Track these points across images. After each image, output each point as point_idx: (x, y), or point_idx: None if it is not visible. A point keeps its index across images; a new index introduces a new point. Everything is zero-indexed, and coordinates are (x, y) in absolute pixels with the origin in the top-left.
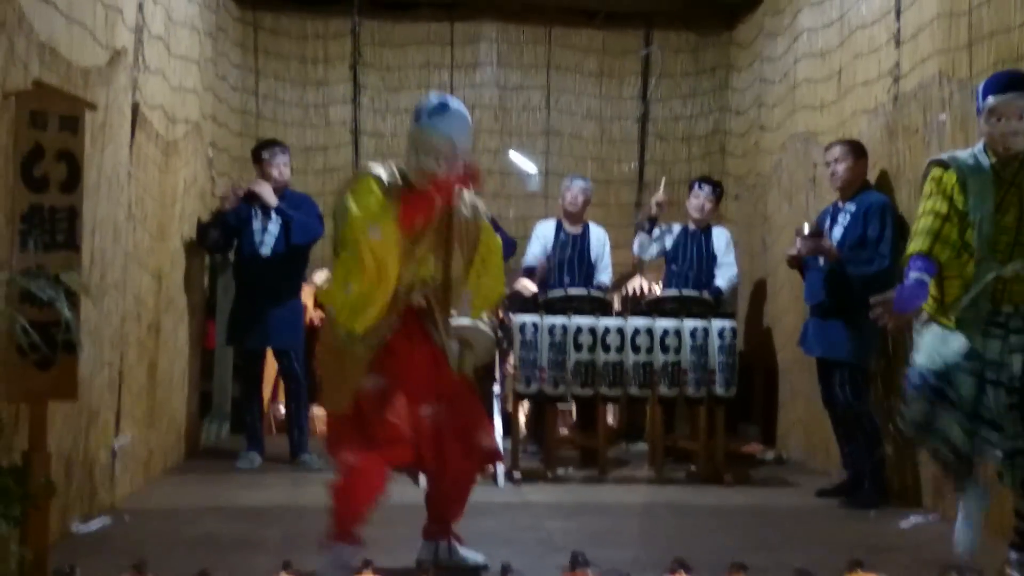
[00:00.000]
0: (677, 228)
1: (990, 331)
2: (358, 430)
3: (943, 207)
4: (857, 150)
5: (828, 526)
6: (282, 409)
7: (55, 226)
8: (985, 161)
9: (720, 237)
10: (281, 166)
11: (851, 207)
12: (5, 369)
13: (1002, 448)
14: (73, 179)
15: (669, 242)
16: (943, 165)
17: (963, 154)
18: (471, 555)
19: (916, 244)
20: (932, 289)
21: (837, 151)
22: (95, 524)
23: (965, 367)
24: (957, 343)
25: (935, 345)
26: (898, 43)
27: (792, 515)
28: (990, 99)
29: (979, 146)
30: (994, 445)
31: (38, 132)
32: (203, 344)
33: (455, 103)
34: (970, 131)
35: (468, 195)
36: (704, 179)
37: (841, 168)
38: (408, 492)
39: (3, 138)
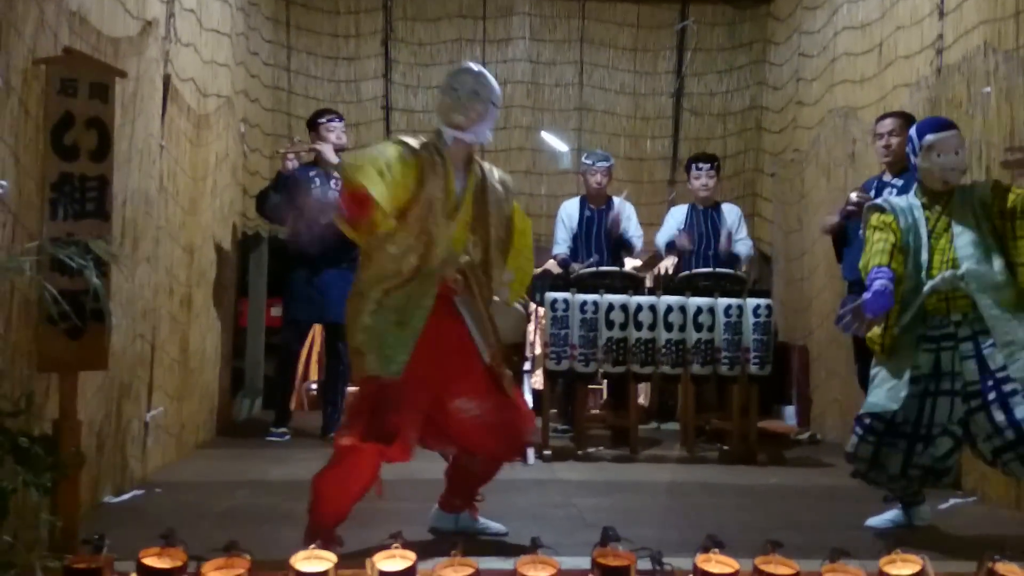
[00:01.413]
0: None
1: (941, 345)
2: (371, 416)
3: (890, 236)
4: (910, 122)
5: (864, 508)
6: (314, 387)
7: (85, 195)
8: (917, 203)
9: (731, 213)
10: (339, 131)
11: (898, 182)
12: (36, 338)
13: (986, 454)
14: (103, 148)
15: None
16: (881, 209)
17: (893, 199)
18: (492, 525)
19: (878, 259)
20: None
21: (890, 124)
22: (126, 496)
23: (912, 392)
24: (902, 375)
25: (884, 383)
26: (942, 14)
27: (828, 496)
28: (929, 136)
29: (912, 192)
30: (931, 464)
31: (68, 99)
32: (236, 321)
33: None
34: (1015, 104)
35: (497, 172)
36: (702, 156)
37: (896, 142)
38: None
39: (33, 106)
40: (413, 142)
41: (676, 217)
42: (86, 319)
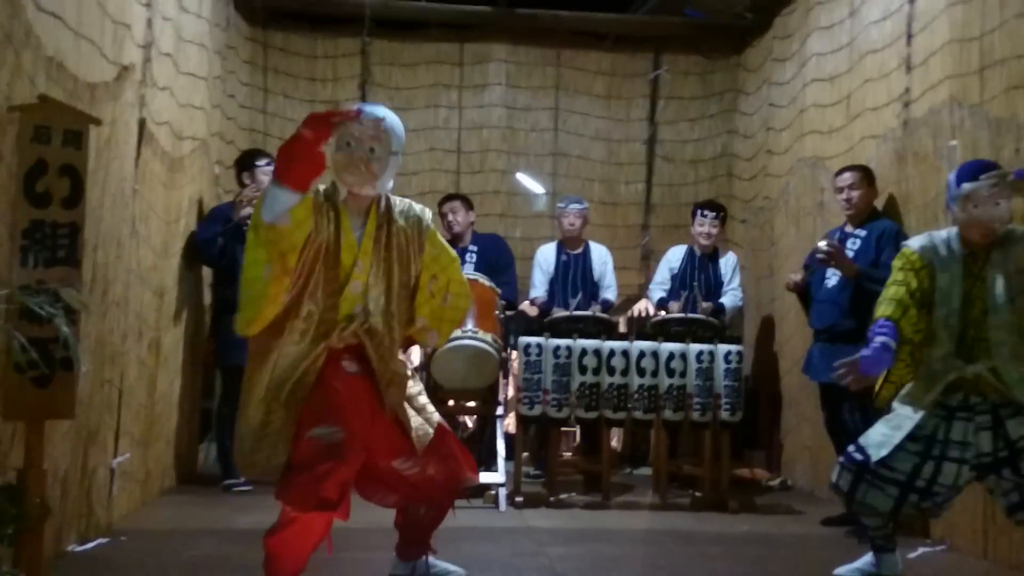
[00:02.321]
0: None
1: (956, 415)
2: (304, 481)
3: (912, 282)
4: (869, 176)
5: (834, 556)
6: None
7: (56, 242)
8: (958, 251)
9: (727, 263)
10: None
11: (861, 233)
12: (3, 386)
13: (1001, 507)
14: (76, 195)
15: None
16: (916, 250)
17: (938, 240)
18: (451, 568)
19: (885, 309)
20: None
21: (849, 177)
22: (91, 544)
23: (910, 449)
24: (907, 428)
25: (886, 433)
26: (908, 68)
27: (798, 544)
28: (965, 186)
29: (954, 231)
30: (927, 507)
31: (41, 147)
32: (206, 362)
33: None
34: (980, 156)
35: (407, 208)
36: (708, 204)
37: (856, 195)
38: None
39: (6, 153)
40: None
41: (671, 260)
42: (54, 367)
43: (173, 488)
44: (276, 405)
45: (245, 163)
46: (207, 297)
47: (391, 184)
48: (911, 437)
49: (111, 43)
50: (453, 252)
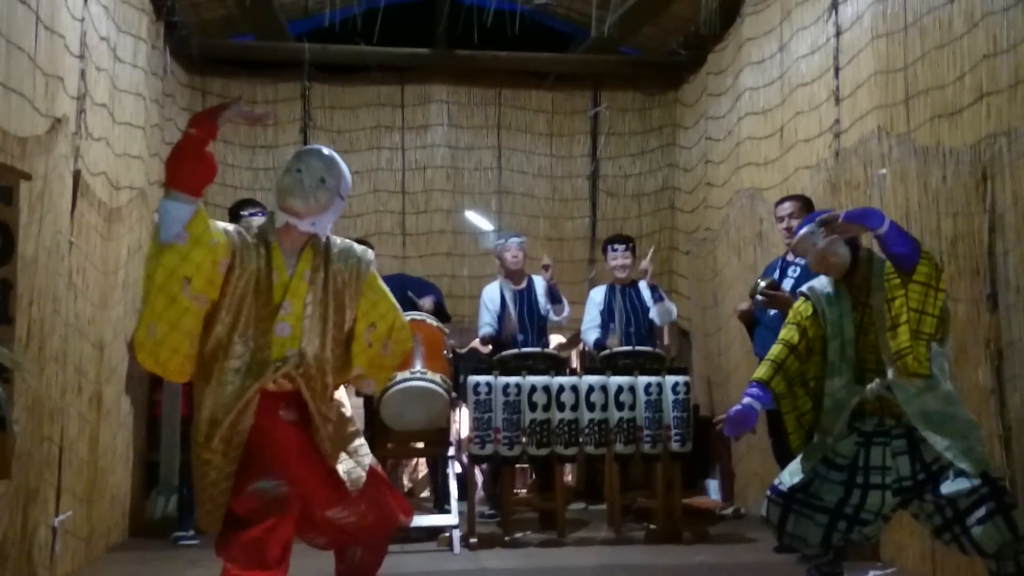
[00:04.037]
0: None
1: (872, 440)
2: (248, 540)
3: (794, 337)
4: (808, 205)
5: None
6: None
7: None
8: (843, 286)
9: (645, 288)
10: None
11: (801, 261)
12: None
13: (928, 530)
14: (7, 250)
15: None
16: (804, 297)
17: (823, 280)
18: None
19: (760, 371)
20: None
21: (789, 207)
22: None
23: (834, 478)
24: (821, 457)
25: (803, 463)
26: (838, 100)
27: (751, 572)
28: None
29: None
30: (857, 538)
31: None
32: (151, 411)
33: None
34: (909, 184)
35: (343, 243)
36: (617, 238)
37: (796, 224)
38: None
39: None
40: (226, 225)
41: (596, 300)
42: None
43: (121, 544)
44: (209, 455)
45: (232, 213)
46: None
47: (329, 228)
48: (834, 466)
49: (43, 96)
50: (392, 298)
